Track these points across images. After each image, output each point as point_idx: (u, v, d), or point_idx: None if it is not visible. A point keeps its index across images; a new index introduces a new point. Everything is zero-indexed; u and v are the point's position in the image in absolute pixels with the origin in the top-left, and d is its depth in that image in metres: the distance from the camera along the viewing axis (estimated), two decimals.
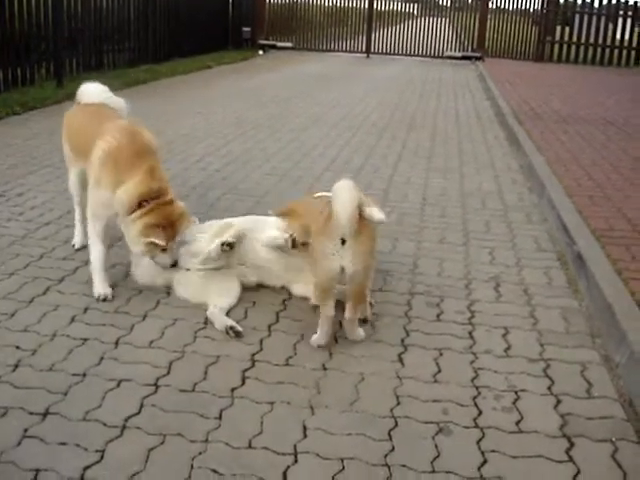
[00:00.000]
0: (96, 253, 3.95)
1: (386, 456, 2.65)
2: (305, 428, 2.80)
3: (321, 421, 2.85)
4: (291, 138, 8.76)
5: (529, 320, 3.88)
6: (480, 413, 2.97)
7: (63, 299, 3.87)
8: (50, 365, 3.17)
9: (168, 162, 7.08)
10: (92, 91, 4.53)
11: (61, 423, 2.75)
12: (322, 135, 9.07)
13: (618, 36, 22.52)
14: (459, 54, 23.14)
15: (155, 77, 13.90)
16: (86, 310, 3.75)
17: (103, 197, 3.82)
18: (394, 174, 7.09)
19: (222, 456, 2.60)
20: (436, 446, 2.73)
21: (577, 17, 22.70)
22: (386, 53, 23.04)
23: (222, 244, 3.77)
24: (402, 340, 3.58)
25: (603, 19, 22.25)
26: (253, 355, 3.36)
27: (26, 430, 2.69)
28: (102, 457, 2.56)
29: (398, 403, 3.01)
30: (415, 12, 27.47)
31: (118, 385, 3.04)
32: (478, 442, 2.77)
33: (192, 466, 2.54)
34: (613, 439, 2.82)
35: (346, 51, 23.45)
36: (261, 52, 21.69)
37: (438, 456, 2.67)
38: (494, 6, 23.79)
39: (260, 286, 4.07)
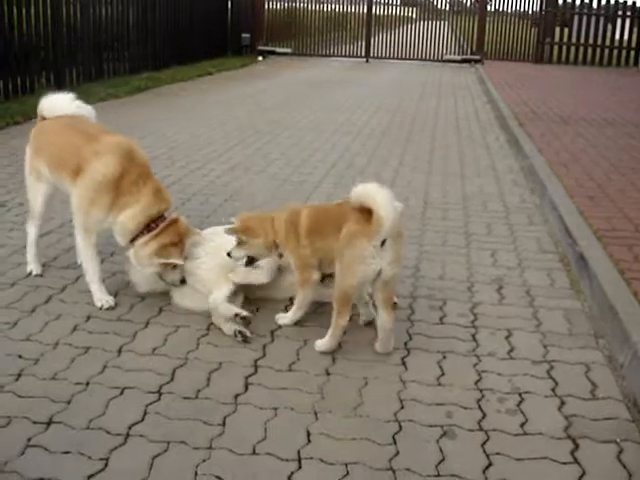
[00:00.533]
0: (92, 265, 3.93)
1: (390, 460, 2.65)
2: (309, 433, 2.80)
3: (325, 426, 2.85)
4: (292, 143, 8.76)
5: (532, 322, 3.87)
6: (484, 416, 2.96)
7: (65, 308, 3.87)
8: (53, 374, 3.17)
9: (169, 168, 7.10)
10: (60, 102, 4.28)
11: (65, 432, 2.75)
12: (323, 140, 9.07)
13: (617, 36, 22.53)
14: (458, 57, 23.17)
15: (155, 84, 13.92)
16: (88, 318, 3.75)
17: (99, 216, 3.80)
18: (395, 178, 7.10)
19: (226, 463, 2.60)
20: (441, 450, 2.72)
21: (576, 18, 22.71)
22: (385, 57, 23.07)
23: (236, 315, 3.64)
24: (405, 343, 3.57)
25: (602, 20, 22.27)
26: (256, 361, 3.36)
27: (30, 439, 2.69)
28: (106, 465, 2.56)
29: (402, 407, 3.01)
30: (414, 16, 27.54)
31: (121, 393, 3.04)
32: (483, 445, 2.76)
33: (196, 473, 2.54)
34: (618, 440, 2.81)
35: (345, 56, 23.48)
36: (260, 58, 21.72)
37: (443, 460, 2.66)
38: (493, 9, 23.83)
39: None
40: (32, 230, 4.31)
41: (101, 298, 3.89)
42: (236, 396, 3.05)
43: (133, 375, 3.19)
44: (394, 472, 2.58)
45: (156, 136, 8.81)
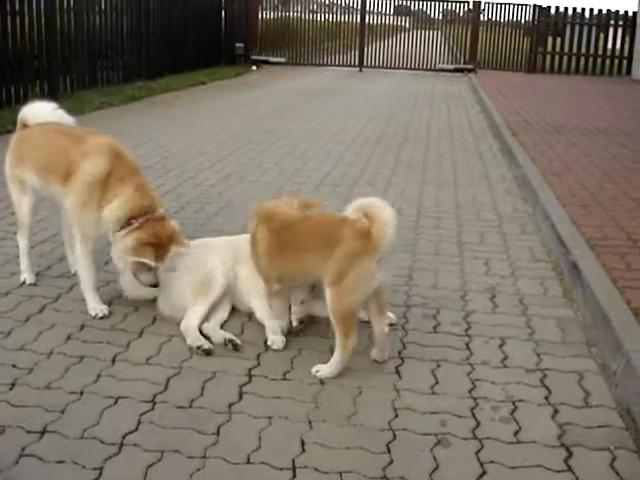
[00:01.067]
0: (87, 273, 3.93)
1: (385, 469, 2.65)
2: (303, 442, 2.80)
3: (319, 435, 2.85)
4: (286, 153, 8.78)
5: (525, 330, 3.88)
6: (478, 424, 2.97)
7: (59, 317, 3.86)
8: (47, 383, 3.16)
9: (163, 177, 7.10)
10: (41, 110, 4.25)
11: (59, 441, 2.74)
12: (316, 149, 9.09)
13: (609, 46, 22.64)
14: (451, 66, 23.24)
15: (149, 93, 13.93)
16: (82, 328, 3.75)
17: (93, 218, 3.78)
18: (388, 187, 7.11)
19: (220, 472, 2.60)
20: (435, 458, 2.73)
21: (568, 27, 22.81)
22: (379, 67, 23.12)
23: (198, 347, 3.54)
24: (399, 352, 3.58)
25: (594, 29, 22.38)
26: (250, 370, 3.36)
27: (24, 449, 2.68)
28: (100, 475, 2.56)
29: (396, 416, 3.01)
30: (407, 25, 27.61)
31: (115, 402, 3.04)
32: (477, 453, 2.77)
33: None
34: (611, 448, 2.82)
35: (339, 65, 23.54)
36: (254, 67, 21.74)
37: (437, 468, 2.67)
38: (486, 18, 23.92)
39: None
40: (23, 240, 4.32)
41: (95, 307, 3.89)
42: (230, 405, 3.05)
43: (127, 384, 3.19)
44: None
45: (150, 145, 8.82)
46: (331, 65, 23.60)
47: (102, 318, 3.85)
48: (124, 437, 2.78)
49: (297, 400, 3.11)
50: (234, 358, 3.47)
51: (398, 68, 23.05)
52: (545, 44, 23.07)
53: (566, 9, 22.78)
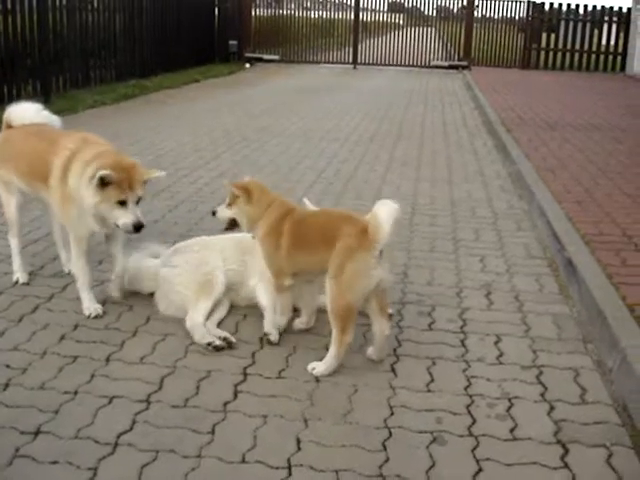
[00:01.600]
0: (82, 272, 3.92)
1: (381, 467, 2.64)
2: (299, 441, 2.79)
3: (315, 433, 2.84)
4: (280, 150, 8.76)
5: (521, 327, 3.87)
6: (474, 421, 2.96)
7: (53, 317, 3.84)
8: (41, 383, 3.15)
9: None
10: (27, 111, 4.25)
11: (53, 442, 2.73)
12: (311, 147, 9.08)
13: (603, 42, 22.67)
14: (446, 63, 23.24)
15: (143, 92, 13.91)
16: (76, 327, 3.73)
17: (75, 210, 3.73)
18: (383, 184, 7.10)
19: (216, 471, 2.59)
20: (431, 455, 2.72)
21: (562, 24, 22.85)
22: (373, 64, 23.12)
23: (208, 344, 3.52)
24: (394, 350, 3.57)
25: (588, 25, 22.42)
26: (245, 369, 3.35)
27: (17, 449, 2.67)
28: (95, 475, 2.54)
29: (392, 413, 3.00)
30: (401, 22, 27.59)
31: (110, 402, 3.02)
32: (473, 450, 2.76)
33: None
34: (608, 444, 2.81)
35: (333, 62, 23.52)
36: (248, 65, 21.71)
37: (433, 465, 2.66)
38: (480, 15, 23.93)
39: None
40: (13, 240, 4.33)
41: (89, 307, 3.88)
42: (225, 404, 3.04)
43: (121, 384, 3.17)
44: (384, 478, 2.58)
45: (144, 143, 8.79)
46: (325, 62, 23.58)
47: (96, 317, 3.83)
48: (118, 437, 2.77)
49: (292, 398, 3.10)
50: (229, 357, 3.45)
51: (392, 65, 23.05)
52: (539, 40, 23.11)
53: (560, 5, 22.85)
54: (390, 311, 3.88)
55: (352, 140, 9.68)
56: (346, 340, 3.26)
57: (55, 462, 2.60)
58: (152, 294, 3.99)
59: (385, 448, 2.76)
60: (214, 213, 3.77)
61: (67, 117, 8.88)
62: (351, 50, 23.35)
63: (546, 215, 5.53)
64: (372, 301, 3.30)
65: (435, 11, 25.97)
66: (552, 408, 3.07)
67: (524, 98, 14.21)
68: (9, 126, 4.23)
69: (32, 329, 3.69)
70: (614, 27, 22.53)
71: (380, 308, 3.33)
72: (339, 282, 3.21)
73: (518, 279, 4.56)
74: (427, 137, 10.09)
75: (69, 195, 3.71)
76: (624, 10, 22.15)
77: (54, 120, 4.29)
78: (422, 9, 25.07)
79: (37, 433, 2.78)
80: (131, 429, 2.83)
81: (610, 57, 22.35)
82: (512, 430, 2.90)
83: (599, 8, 22.54)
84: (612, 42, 22.55)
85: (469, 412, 3.03)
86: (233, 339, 3.57)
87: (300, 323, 3.75)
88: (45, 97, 11.31)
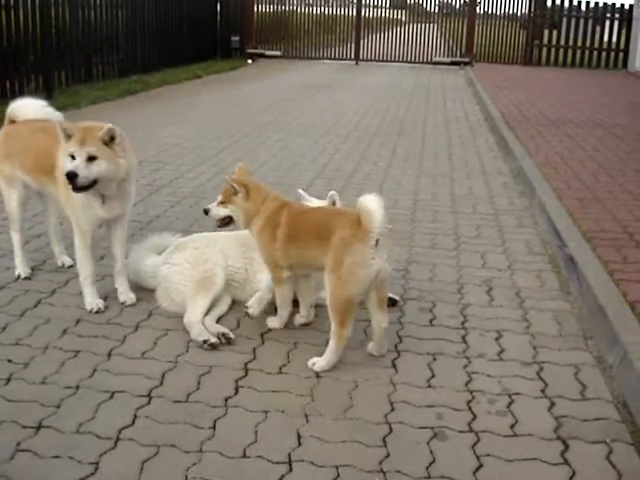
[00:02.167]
0: (85, 267, 3.93)
1: (381, 462, 2.65)
2: (299, 436, 2.79)
3: (315, 429, 2.85)
4: (282, 146, 8.76)
5: (522, 323, 3.88)
6: (474, 417, 2.96)
7: (54, 312, 3.85)
8: (42, 378, 3.16)
9: (159, 171, 7.09)
10: (30, 107, 4.25)
11: (54, 436, 2.74)
12: (312, 142, 9.08)
13: (606, 38, 22.62)
14: (448, 59, 23.21)
15: (145, 87, 13.90)
16: (78, 322, 3.74)
17: (79, 202, 3.75)
18: (385, 180, 7.11)
19: (217, 466, 2.59)
20: (431, 451, 2.73)
21: (565, 20, 22.80)
22: (375, 60, 23.09)
23: (204, 341, 3.51)
24: (395, 346, 3.57)
25: (591, 22, 22.37)
26: (246, 364, 3.35)
27: (19, 444, 2.68)
28: (96, 469, 2.55)
29: (392, 409, 3.01)
30: (403, 18, 27.52)
31: (111, 397, 3.03)
32: (473, 446, 2.77)
33: (187, 477, 2.53)
34: (608, 441, 2.82)
35: (335, 58, 23.48)
36: (250, 61, 21.70)
37: (433, 461, 2.67)
38: (482, 11, 23.87)
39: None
40: (15, 235, 4.36)
41: (92, 301, 3.89)
42: (226, 399, 3.04)
43: (123, 379, 3.18)
44: (385, 474, 2.58)
45: (146, 139, 8.80)
46: (327, 58, 23.54)
47: (98, 312, 3.84)
48: (120, 432, 2.78)
49: (293, 394, 3.11)
50: (230, 352, 3.46)
51: (394, 61, 23.02)
52: (541, 37, 23.06)
53: (562, 2, 22.77)
54: (397, 297, 3.95)
55: (354, 136, 9.67)
56: (345, 334, 3.27)
57: (57, 456, 2.61)
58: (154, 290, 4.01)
59: (385, 444, 2.76)
60: (206, 212, 3.75)
61: (69, 113, 8.89)
62: (353, 46, 23.31)
63: (547, 212, 5.54)
64: (372, 293, 3.30)
65: (437, 7, 25.91)
66: (552, 404, 3.08)
67: (526, 94, 14.19)
68: (12, 121, 4.23)
69: (34, 324, 3.69)
70: (616, 24, 22.46)
71: (379, 301, 3.34)
72: (338, 276, 3.22)
73: (519, 275, 4.57)
74: (429, 133, 10.08)
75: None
76: (626, 7, 22.11)
77: (57, 116, 4.29)
78: (424, 5, 25.00)
79: (39, 427, 2.79)
80: (132, 424, 2.84)
81: (612, 54, 22.30)
82: (512, 426, 2.91)
83: (601, 5, 22.48)
84: (614, 39, 22.50)
85: (470, 408, 3.04)
86: (232, 335, 3.57)
87: (301, 317, 3.76)
88: (47, 93, 11.32)
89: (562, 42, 22.88)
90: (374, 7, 25.05)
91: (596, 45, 22.48)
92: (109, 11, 14.21)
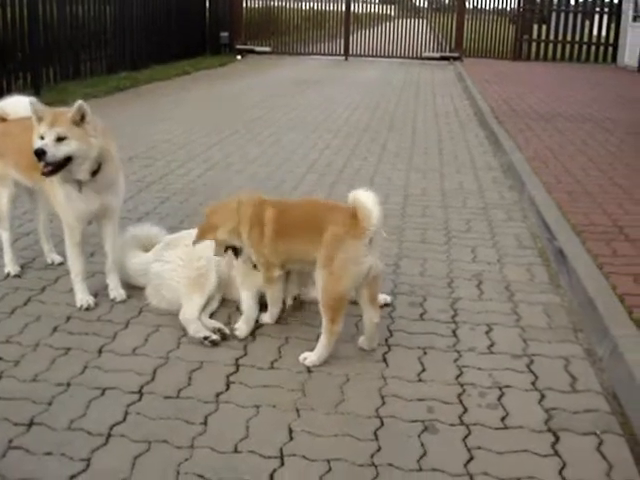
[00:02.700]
0: (75, 264, 3.92)
1: (373, 456, 2.65)
2: (291, 431, 2.80)
3: (307, 423, 2.85)
4: (272, 142, 8.76)
5: (512, 317, 3.89)
6: (465, 410, 2.98)
7: (45, 309, 3.85)
8: (33, 375, 3.15)
9: (149, 168, 7.07)
10: (21, 104, 4.13)
11: (46, 433, 2.74)
12: (303, 138, 9.07)
13: (595, 33, 22.68)
14: (437, 55, 23.20)
15: (134, 84, 13.86)
16: (68, 319, 3.74)
17: (60, 190, 3.76)
18: (375, 175, 7.11)
19: (208, 461, 2.60)
20: (422, 444, 2.74)
21: (554, 15, 22.85)
22: (364, 55, 23.07)
23: (204, 338, 3.52)
24: (386, 340, 3.58)
25: (580, 16, 22.43)
26: (237, 360, 3.36)
27: (11, 441, 2.68)
28: (88, 466, 2.55)
29: (383, 403, 3.02)
30: (392, 14, 27.55)
31: (102, 393, 3.03)
32: (464, 439, 2.78)
33: (178, 472, 2.53)
34: (598, 432, 2.84)
35: (324, 54, 23.45)
36: (239, 57, 21.65)
37: (424, 454, 2.68)
38: (471, 6, 23.90)
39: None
40: (4, 233, 4.35)
41: (82, 298, 3.88)
42: (217, 395, 3.05)
43: (114, 375, 3.18)
44: (376, 467, 2.59)
45: (136, 136, 8.78)
46: (316, 54, 23.51)
47: (88, 309, 3.84)
48: (111, 428, 2.78)
49: (285, 389, 3.11)
50: (221, 348, 3.46)
51: (384, 57, 23.01)
52: (530, 32, 23.08)
53: None
54: (388, 299, 3.95)
55: (344, 131, 9.67)
56: (336, 330, 3.28)
57: (49, 453, 2.61)
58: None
59: (377, 437, 2.77)
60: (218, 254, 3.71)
61: None
62: (342, 42, 23.28)
63: (537, 205, 5.55)
64: (363, 290, 3.31)
65: (427, 2, 25.97)
66: (543, 397, 3.09)
67: (515, 89, 14.22)
68: (3, 119, 4.20)
69: (24, 321, 3.69)
70: (605, 18, 22.53)
71: (371, 297, 3.35)
72: (330, 272, 3.22)
73: (509, 269, 4.58)
74: (419, 128, 10.09)
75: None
76: (615, 1, 22.15)
77: None
78: (414, 1, 25.05)
79: (30, 425, 2.79)
80: (124, 420, 2.84)
81: (601, 48, 22.33)
82: (503, 419, 2.92)
83: None
84: (603, 33, 22.56)
85: (460, 401, 3.05)
86: (227, 330, 3.58)
87: (264, 315, 3.75)
88: (35, 90, 11.26)
89: (551, 37, 22.91)
90: (363, 2, 25.08)
91: (585, 40, 22.54)
92: (97, 7, 14.15)
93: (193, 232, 4.13)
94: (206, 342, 3.48)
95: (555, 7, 22.93)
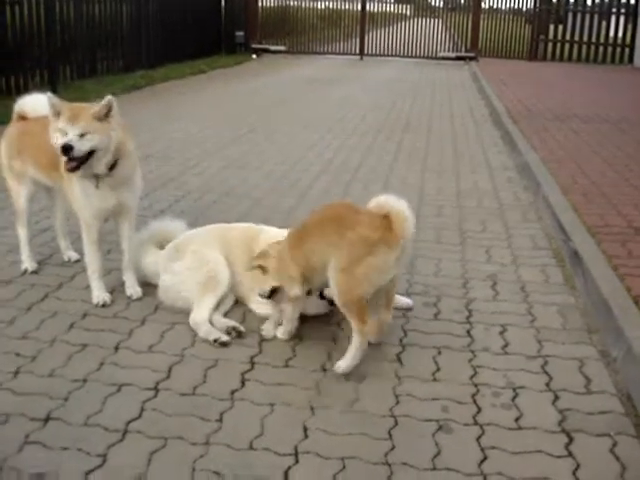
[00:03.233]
0: (93, 260, 3.96)
1: (387, 455, 2.66)
2: (306, 429, 2.81)
3: (321, 421, 2.86)
4: (287, 141, 8.78)
5: (526, 317, 3.89)
6: (479, 410, 2.98)
7: (62, 305, 3.88)
8: (50, 371, 3.18)
9: (165, 166, 7.11)
10: (40, 102, 4.08)
11: (62, 428, 2.76)
12: (318, 137, 9.09)
13: (611, 33, 22.56)
14: (453, 55, 23.15)
15: (150, 82, 13.93)
16: (85, 316, 3.76)
17: (77, 186, 3.78)
18: (390, 175, 7.11)
19: (223, 458, 2.61)
20: (436, 444, 2.74)
21: (570, 15, 22.75)
22: (380, 55, 23.06)
23: (215, 340, 3.51)
24: (400, 340, 3.59)
25: (596, 17, 22.30)
26: (252, 357, 3.37)
27: (27, 436, 2.70)
28: (104, 461, 2.57)
29: (397, 402, 3.03)
30: (408, 13, 27.50)
31: (118, 390, 3.05)
32: (478, 439, 2.78)
33: (194, 469, 2.55)
34: (612, 433, 2.83)
35: (340, 53, 23.44)
36: (254, 56, 21.69)
37: (438, 453, 2.68)
38: (487, 6, 23.84)
39: None
40: (22, 230, 4.38)
41: (98, 295, 3.91)
42: (232, 392, 3.06)
43: (130, 372, 3.20)
44: (390, 466, 2.60)
45: (152, 134, 8.82)
46: (332, 53, 23.51)
47: (104, 306, 3.86)
48: (127, 424, 2.80)
49: (299, 387, 3.13)
50: (236, 345, 3.48)
51: (399, 56, 22.99)
52: (547, 32, 22.97)
53: None
54: (410, 303, 3.94)
55: (359, 131, 9.68)
56: (366, 330, 3.20)
57: (65, 448, 2.64)
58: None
59: (391, 436, 2.78)
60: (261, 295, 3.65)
61: None
62: (358, 41, 23.26)
63: (552, 206, 5.54)
64: (381, 294, 3.31)
65: (442, 2, 25.92)
66: (557, 397, 3.09)
67: (531, 89, 14.17)
68: (22, 117, 4.23)
69: (41, 317, 3.72)
70: (622, 19, 22.41)
71: (387, 301, 3.36)
72: (353, 275, 3.12)
73: (524, 270, 4.58)
74: (434, 128, 10.08)
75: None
76: (632, 2, 22.02)
77: None
78: (429, 0, 25.00)
79: (47, 420, 2.81)
80: (140, 416, 2.86)
81: (618, 49, 22.20)
82: (517, 419, 2.92)
83: (607, 0, 22.43)
84: (620, 34, 22.43)
85: (474, 401, 3.05)
86: (242, 328, 3.59)
87: (278, 332, 3.65)
88: (52, 88, 11.30)
89: (567, 37, 22.80)
90: (379, 2, 25.03)
91: (602, 40, 22.40)
92: (113, 6, 14.23)
93: (196, 233, 4.11)
94: (217, 344, 3.48)
95: (571, 7, 22.82)
